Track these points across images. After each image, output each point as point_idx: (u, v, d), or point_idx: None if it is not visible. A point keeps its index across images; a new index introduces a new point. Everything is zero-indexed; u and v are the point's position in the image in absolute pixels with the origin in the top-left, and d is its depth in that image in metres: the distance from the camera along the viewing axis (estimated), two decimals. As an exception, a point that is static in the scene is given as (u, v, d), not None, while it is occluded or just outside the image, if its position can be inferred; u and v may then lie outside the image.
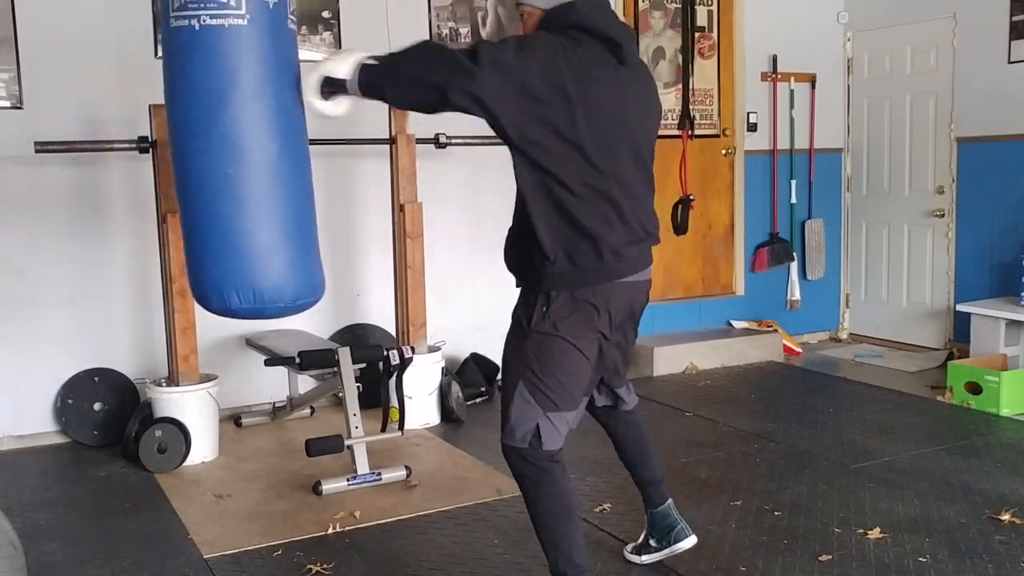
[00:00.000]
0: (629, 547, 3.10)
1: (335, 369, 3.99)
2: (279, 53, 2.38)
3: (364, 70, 2.28)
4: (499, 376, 5.28)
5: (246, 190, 2.40)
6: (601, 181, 2.39)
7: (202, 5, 2.28)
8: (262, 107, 2.39)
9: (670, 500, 2.99)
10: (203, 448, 4.18)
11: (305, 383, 4.71)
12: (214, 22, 2.30)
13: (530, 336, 2.43)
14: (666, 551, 2.98)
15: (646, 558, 3.02)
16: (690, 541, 2.97)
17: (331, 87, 2.35)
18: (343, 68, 2.29)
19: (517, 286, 2.54)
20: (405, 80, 2.26)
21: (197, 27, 2.29)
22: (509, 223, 2.55)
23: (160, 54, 2.47)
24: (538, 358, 2.42)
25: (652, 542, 3.01)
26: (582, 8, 2.36)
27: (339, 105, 2.40)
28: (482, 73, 2.17)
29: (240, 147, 2.39)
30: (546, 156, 2.30)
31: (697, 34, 6.06)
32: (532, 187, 2.33)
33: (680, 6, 5.94)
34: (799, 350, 6.24)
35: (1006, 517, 3.34)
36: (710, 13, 6.14)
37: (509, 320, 2.57)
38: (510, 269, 2.54)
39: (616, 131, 2.40)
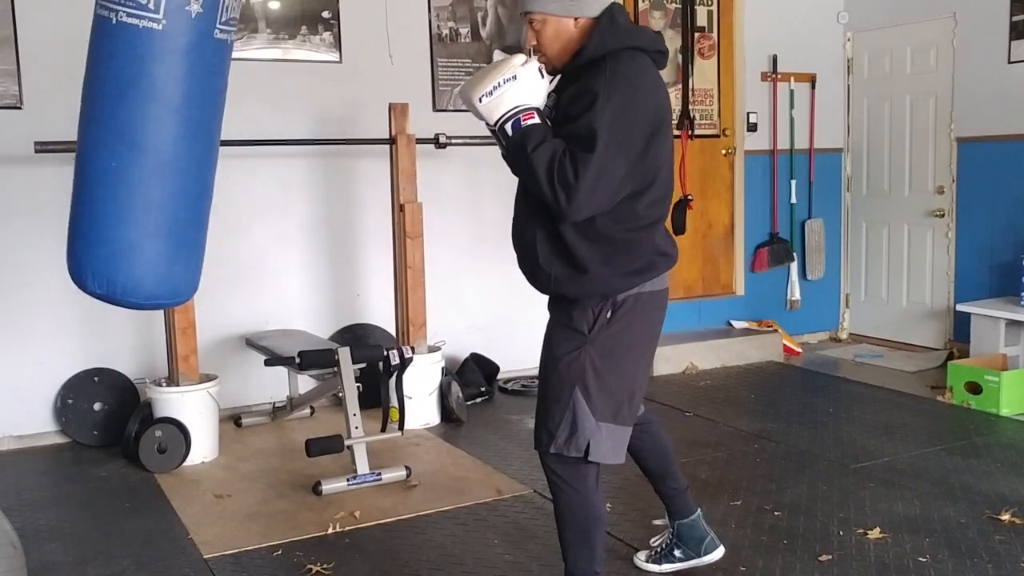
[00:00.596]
0: (642, 555, 3.05)
1: (335, 369, 3.99)
2: (198, 60, 2.36)
3: (500, 133, 2.31)
4: (497, 378, 5.29)
5: (127, 185, 2.47)
6: (663, 195, 2.46)
7: (122, 1, 2.30)
8: (163, 110, 2.40)
9: (699, 511, 2.99)
10: (203, 448, 4.18)
11: (305, 383, 4.71)
12: (129, 20, 2.30)
13: (592, 343, 2.40)
14: (694, 563, 2.95)
15: (668, 567, 2.99)
16: (720, 552, 2.97)
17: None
18: (493, 115, 2.31)
19: (555, 294, 2.47)
20: (528, 177, 2.30)
21: (114, 21, 2.33)
22: (509, 222, 2.54)
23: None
24: (598, 365, 2.39)
25: (678, 552, 2.97)
26: (638, 31, 2.43)
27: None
28: (575, 208, 2.25)
29: (131, 144, 2.46)
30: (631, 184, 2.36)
31: (697, 34, 6.06)
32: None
33: (680, 6, 5.94)
34: (799, 350, 6.24)
35: (1006, 517, 3.34)
36: (710, 13, 6.14)
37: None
38: (546, 282, 2.44)
39: (670, 143, 2.47)
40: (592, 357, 2.39)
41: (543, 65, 2.39)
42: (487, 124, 2.36)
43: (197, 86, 2.39)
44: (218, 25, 2.32)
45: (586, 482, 2.45)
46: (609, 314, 2.40)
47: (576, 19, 2.36)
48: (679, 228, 5.64)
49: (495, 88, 2.28)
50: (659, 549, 3.03)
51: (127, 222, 2.47)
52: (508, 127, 2.29)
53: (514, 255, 2.54)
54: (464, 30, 5.27)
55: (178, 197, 2.48)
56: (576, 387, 2.38)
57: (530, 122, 2.28)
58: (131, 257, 2.47)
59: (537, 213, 2.37)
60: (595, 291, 2.39)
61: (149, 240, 2.47)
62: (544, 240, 2.38)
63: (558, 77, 2.45)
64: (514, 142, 2.29)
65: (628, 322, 2.42)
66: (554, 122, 2.36)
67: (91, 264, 2.51)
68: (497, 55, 2.45)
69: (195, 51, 2.33)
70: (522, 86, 2.30)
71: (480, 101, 2.30)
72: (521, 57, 2.37)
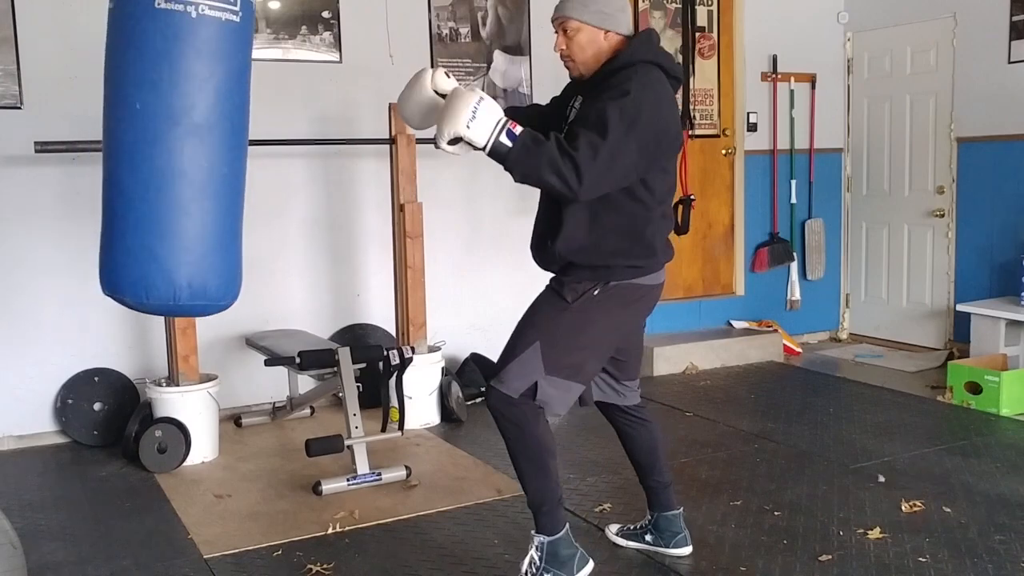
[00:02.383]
0: (614, 528, 3.18)
1: (335, 369, 3.99)
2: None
3: (498, 145, 2.43)
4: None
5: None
6: (667, 196, 2.74)
7: None
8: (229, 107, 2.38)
9: (681, 509, 3.10)
10: (203, 448, 4.18)
11: (305, 383, 4.71)
12: (212, 13, 2.29)
13: (569, 309, 2.66)
14: (658, 550, 3.08)
15: (633, 545, 3.13)
16: (688, 550, 3.07)
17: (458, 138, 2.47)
18: (482, 138, 2.42)
19: (558, 270, 2.72)
20: (531, 175, 2.46)
21: (194, 15, 2.28)
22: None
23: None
24: (568, 328, 2.66)
25: (649, 537, 3.10)
26: (667, 55, 2.69)
27: (463, 148, 2.50)
28: (582, 189, 2.45)
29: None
30: (643, 184, 2.63)
31: (697, 34, 6.06)
32: (617, 199, 2.61)
33: (680, 6, 5.94)
34: (799, 350, 6.24)
35: (1006, 517, 3.34)
36: (710, 13, 6.14)
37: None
38: (551, 259, 2.70)
39: (675, 162, 2.77)
40: (566, 321, 2.66)
41: (570, 69, 2.70)
42: (476, 147, 2.46)
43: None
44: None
45: (528, 415, 2.67)
46: (596, 292, 2.66)
47: (607, 32, 2.63)
48: (683, 228, 5.63)
49: (474, 112, 2.41)
50: (632, 528, 3.16)
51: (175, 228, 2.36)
52: (504, 138, 2.43)
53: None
54: (464, 30, 5.27)
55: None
56: (539, 340, 2.64)
57: (519, 129, 2.44)
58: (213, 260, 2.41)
59: (564, 209, 2.61)
60: (595, 270, 2.65)
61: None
62: (561, 227, 2.62)
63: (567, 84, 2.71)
64: (521, 144, 2.43)
65: (607, 306, 2.68)
66: (575, 122, 2.56)
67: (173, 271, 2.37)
68: (426, 76, 2.59)
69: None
70: (489, 104, 2.44)
71: (468, 129, 2.41)
72: (440, 71, 2.60)
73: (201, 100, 2.32)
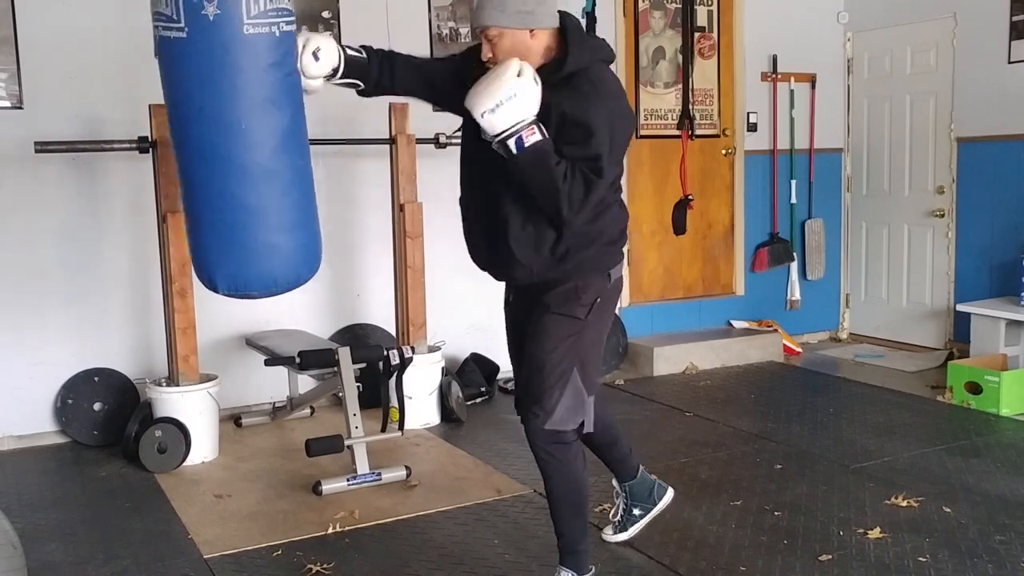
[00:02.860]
0: (609, 530, 3.18)
1: (335, 369, 3.99)
2: (228, 60, 2.36)
3: (501, 149, 2.41)
4: (497, 378, 5.29)
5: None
6: (618, 184, 2.71)
7: (156, 16, 2.34)
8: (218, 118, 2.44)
9: (641, 467, 3.17)
10: (203, 448, 4.18)
11: (305, 383, 4.71)
12: (166, 33, 2.33)
13: (589, 326, 2.62)
14: (653, 513, 3.15)
15: (633, 530, 3.14)
16: (670, 492, 3.17)
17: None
18: (492, 130, 2.41)
19: (530, 281, 2.64)
20: (534, 188, 2.46)
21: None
22: None
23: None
24: (592, 345, 2.65)
25: (636, 511, 3.14)
26: (601, 44, 2.65)
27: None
28: (569, 217, 2.48)
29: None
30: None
31: (697, 34, 6.06)
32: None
33: (680, 6, 5.94)
34: (799, 350, 6.24)
35: (1006, 517, 3.34)
36: (710, 13, 6.14)
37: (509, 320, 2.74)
38: (520, 271, 2.62)
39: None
40: (587, 339, 2.63)
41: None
42: (486, 135, 2.44)
43: (244, 85, 2.35)
44: (245, 22, 2.30)
45: (577, 458, 2.65)
46: (599, 300, 2.63)
47: (532, 31, 2.48)
48: (680, 228, 5.64)
49: (497, 106, 2.37)
50: (620, 518, 3.17)
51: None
52: (511, 143, 2.39)
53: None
54: (464, 30, 5.27)
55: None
56: (575, 367, 2.59)
57: (532, 139, 2.40)
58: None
59: (517, 208, 2.54)
60: (588, 274, 2.61)
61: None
62: (530, 231, 2.55)
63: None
64: (525, 160, 2.41)
65: (607, 307, 2.69)
66: (546, 124, 2.46)
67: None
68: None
69: (222, 51, 2.31)
70: (520, 102, 2.38)
71: (483, 116, 2.39)
72: (517, 65, 2.42)
73: (288, 108, 2.46)
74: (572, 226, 2.51)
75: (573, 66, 2.47)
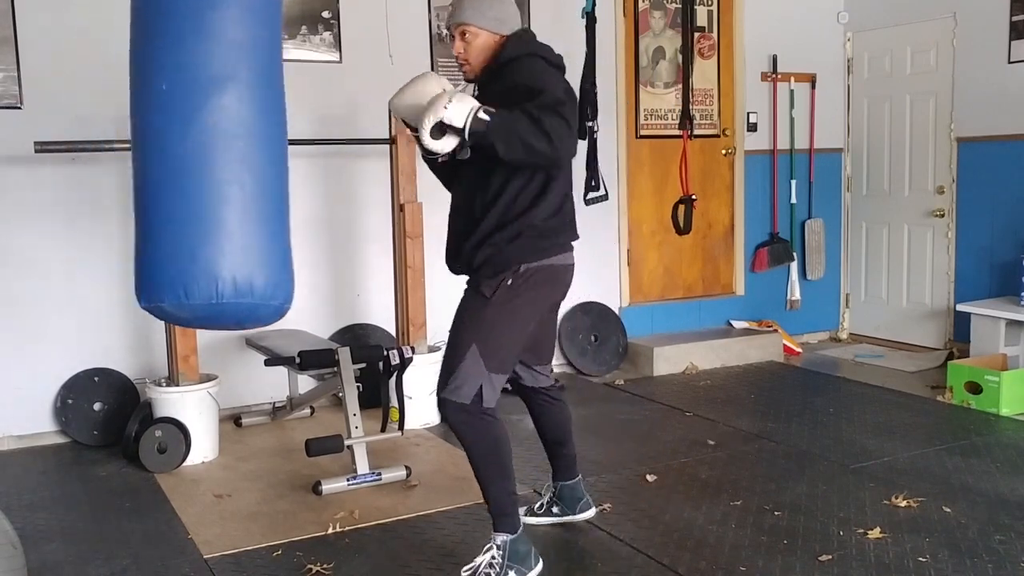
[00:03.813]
0: (523, 510, 3.22)
1: (335, 369, 3.99)
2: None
3: (477, 122, 2.54)
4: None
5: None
6: (566, 175, 2.91)
7: None
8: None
9: (580, 476, 3.34)
10: (203, 448, 4.18)
11: (305, 383, 4.71)
12: None
13: (491, 304, 2.80)
14: (566, 519, 3.31)
15: (544, 520, 3.32)
16: (592, 513, 3.33)
17: (441, 130, 2.58)
18: (459, 118, 2.53)
19: (473, 272, 2.87)
20: (515, 143, 2.57)
21: None
22: None
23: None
24: (495, 323, 2.81)
25: (556, 509, 3.32)
26: (542, 45, 2.89)
27: (448, 142, 2.60)
28: (562, 147, 2.62)
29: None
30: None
31: (697, 34, 6.05)
32: (524, 181, 2.79)
33: (680, 6, 5.94)
34: (799, 350, 6.24)
35: (1006, 517, 3.34)
36: (710, 13, 6.14)
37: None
38: (465, 261, 2.87)
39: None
40: (492, 318, 2.80)
41: (466, 72, 2.88)
42: (452, 127, 2.55)
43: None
44: None
45: (489, 426, 2.82)
46: (510, 282, 2.79)
47: (500, 36, 2.83)
48: (686, 228, 5.63)
49: (452, 96, 2.56)
50: (539, 507, 3.35)
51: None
52: (481, 114, 2.54)
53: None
54: (464, 30, 5.27)
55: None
56: (474, 342, 2.77)
57: (494, 109, 2.57)
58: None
59: (478, 207, 2.79)
60: (503, 265, 2.80)
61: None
62: (475, 227, 2.80)
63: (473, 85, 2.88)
64: (500, 119, 2.55)
65: (518, 290, 2.81)
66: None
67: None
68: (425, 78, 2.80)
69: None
70: (461, 93, 2.60)
71: (446, 108, 2.53)
72: (428, 74, 2.81)
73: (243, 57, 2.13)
74: (565, 160, 2.71)
75: (507, 56, 2.79)
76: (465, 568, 2.88)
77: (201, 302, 2.04)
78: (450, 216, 2.97)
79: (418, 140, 2.63)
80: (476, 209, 2.82)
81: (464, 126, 2.54)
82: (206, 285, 2.03)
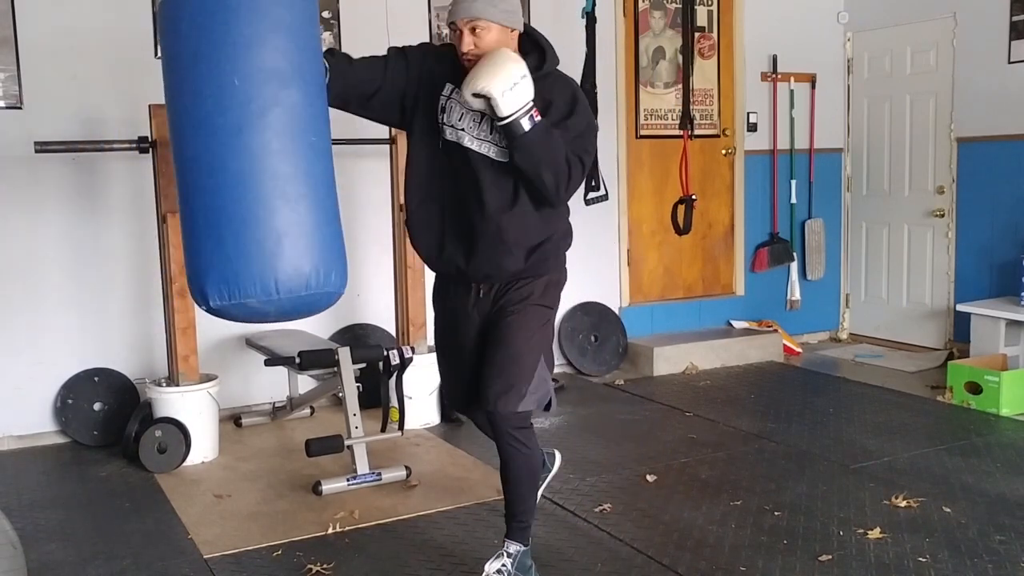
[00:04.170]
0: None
1: (335, 369, 3.99)
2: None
3: (515, 126, 2.50)
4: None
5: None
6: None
7: None
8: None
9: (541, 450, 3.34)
10: (203, 448, 4.18)
11: (305, 383, 4.71)
12: None
13: (550, 317, 2.83)
14: (553, 475, 3.32)
15: None
16: (558, 461, 3.34)
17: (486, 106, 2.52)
18: (508, 109, 2.49)
19: (510, 275, 2.74)
20: (536, 166, 2.55)
21: None
22: None
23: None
24: (549, 331, 2.85)
25: None
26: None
27: (481, 106, 2.54)
28: (565, 196, 2.64)
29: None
30: None
31: (697, 34, 6.05)
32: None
33: (680, 6, 5.93)
34: (799, 350, 6.24)
35: (1006, 517, 3.34)
36: (710, 13, 6.14)
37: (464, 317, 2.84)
38: (502, 266, 2.71)
39: None
40: (551, 327, 2.85)
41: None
42: (497, 115, 2.50)
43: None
44: None
45: (534, 439, 2.79)
46: (557, 291, 2.84)
47: (512, 30, 2.66)
48: (686, 228, 5.63)
49: (514, 85, 2.48)
50: None
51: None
52: (524, 121, 2.50)
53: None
54: (464, 30, 5.27)
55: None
56: (542, 354, 2.76)
57: (540, 119, 2.53)
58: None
59: (507, 205, 2.65)
60: (557, 268, 2.81)
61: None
62: (519, 228, 2.67)
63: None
64: (535, 135, 2.52)
65: (559, 295, 2.87)
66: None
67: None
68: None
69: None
70: (529, 82, 2.51)
71: (503, 96, 2.47)
72: (511, 52, 2.58)
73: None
74: (558, 210, 2.70)
75: (550, 67, 2.69)
76: None
77: (289, 295, 2.20)
78: (452, 216, 2.73)
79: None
80: (507, 212, 2.66)
81: (506, 119, 2.48)
82: (295, 277, 2.19)
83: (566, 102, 2.64)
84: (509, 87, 2.46)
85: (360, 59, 2.69)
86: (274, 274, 2.17)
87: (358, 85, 2.68)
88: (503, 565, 2.80)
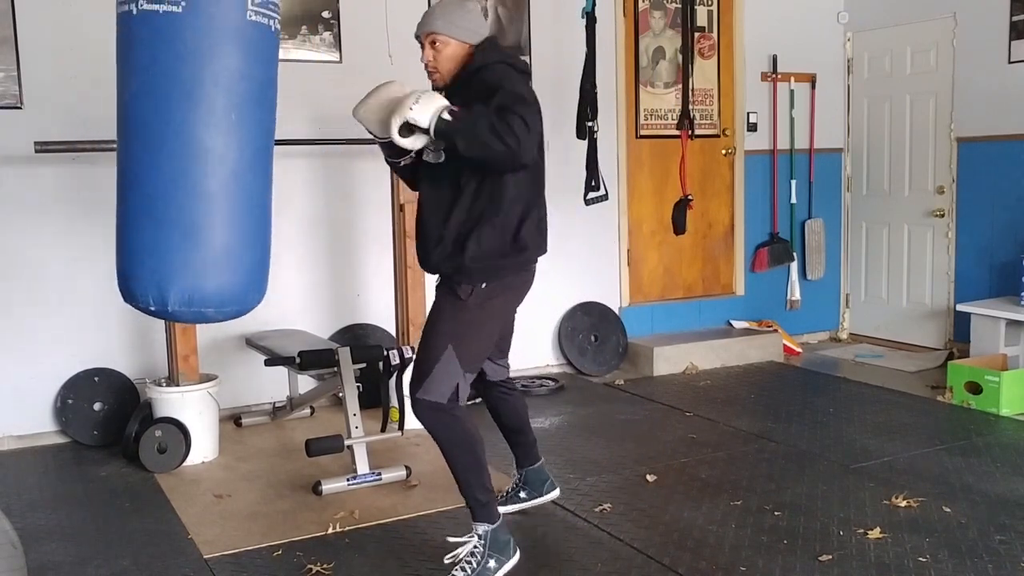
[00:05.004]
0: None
1: (335, 369, 3.99)
2: (227, 45, 2.28)
3: (441, 122, 2.63)
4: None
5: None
6: (535, 196, 2.98)
7: None
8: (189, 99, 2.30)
9: (543, 459, 3.49)
10: (203, 448, 4.18)
11: (305, 383, 4.71)
12: (150, 7, 2.23)
13: (467, 308, 2.87)
14: (535, 501, 3.44)
15: (511, 507, 3.40)
16: (557, 492, 3.49)
17: (409, 129, 2.68)
18: (424, 118, 2.63)
19: (448, 275, 2.91)
20: (476, 142, 2.63)
21: (135, 12, 2.24)
22: None
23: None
24: (471, 324, 2.90)
25: (523, 494, 3.45)
26: (509, 53, 3.05)
27: (417, 140, 2.71)
28: (521, 150, 2.65)
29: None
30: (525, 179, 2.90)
31: (697, 34, 6.05)
32: (497, 196, 2.84)
33: (680, 6, 5.94)
34: (799, 350, 6.24)
35: (1006, 517, 3.34)
36: (710, 13, 6.14)
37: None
38: (444, 264, 2.90)
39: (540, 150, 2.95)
40: (468, 321, 2.89)
41: (435, 80, 2.93)
42: (420, 128, 2.65)
43: (226, 73, 2.29)
44: (250, 7, 2.25)
45: (460, 421, 2.90)
46: (484, 285, 2.87)
47: (470, 45, 2.90)
48: (680, 228, 5.64)
49: (419, 97, 2.65)
50: (506, 493, 3.46)
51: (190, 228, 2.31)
52: (445, 115, 2.63)
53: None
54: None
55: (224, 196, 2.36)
56: (450, 343, 2.86)
57: (459, 109, 2.65)
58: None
59: (443, 210, 2.86)
60: (475, 272, 2.86)
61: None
62: (454, 229, 2.85)
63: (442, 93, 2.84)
64: (462, 119, 2.63)
65: (493, 297, 2.90)
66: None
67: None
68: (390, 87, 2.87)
69: (224, 30, 2.24)
70: (428, 94, 2.69)
71: (411, 109, 2.63)
72: (389, 85, 2.83)
73: (271, 109, 2.45)
74: (525, 158, 2.67)
75: (479, 63, 2.86)
76: (447, 556, 2.96)
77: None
78: (419, 215, 3.05)
79: (382, 146, 2.87)
80: (442, 211, 2.89)
81: (429, 125, 2.62)
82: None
83: (491, 85, 2.75)
84: (413, 102, 2.63)
85: None
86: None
87: None
88: (474, 547, 2.92)
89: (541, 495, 3.45)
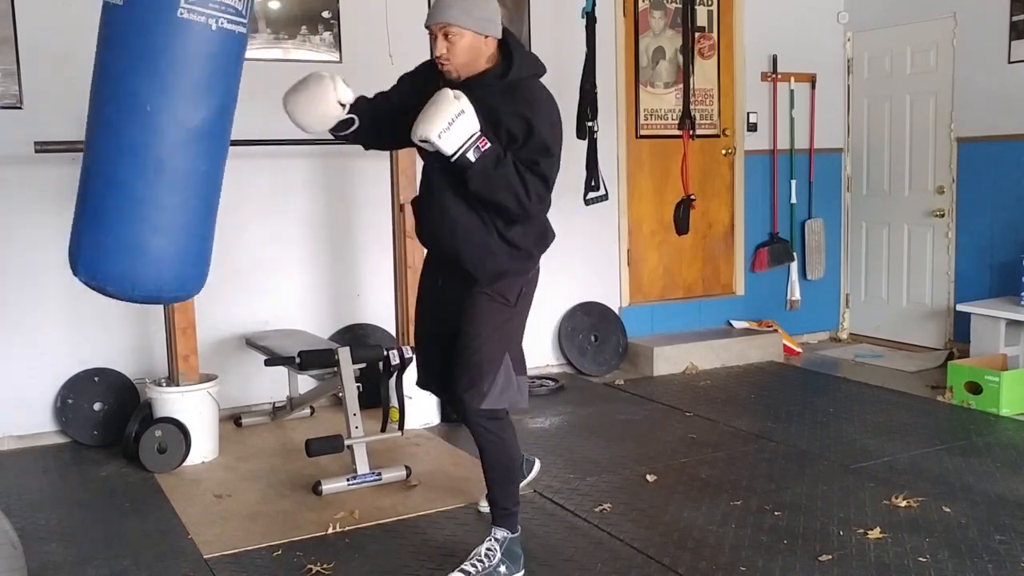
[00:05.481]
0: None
1: (335, 369, 3.99)
2: (149, 40, 2.32)
3: (465, 159, 2.63)
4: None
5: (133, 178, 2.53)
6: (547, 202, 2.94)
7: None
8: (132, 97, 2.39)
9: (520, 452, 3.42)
10: (203, 448, 4.18)
11: (305, 383, 4.71)
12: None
13: (515, 310, 2.89)
14: (521, 484, 3.33)
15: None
16: (537, 464, 3.56)
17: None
18: (450, 148, 2.62)
19: (480, 278, 2.85)
20: (488, 188, 2.67)
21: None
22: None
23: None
24: (517, 329, 2.94)
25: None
26: (537, 59, 2.89)
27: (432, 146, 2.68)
28: (532, 210, 2.75)
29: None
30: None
31: (697, 34, 6.05)
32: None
33: (680, 6, 5.94)
34: (799, 350, 6.24)
35: (1006, 517, 3.34)
36: (710, 13, 6.14)
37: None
38: (477, 266, 2.84)
39: None
40: (516, 324, 2.93)
41: (448, 72, 2.75)
42: (443, 153, 2.63)
43: (163, 68, 2.33)
44: (182, 5, 2.27)
45: (509, 430, 2.93)
46: (523, 289, 2.90)
47: (487, 37, 2.75)
48: (682, 228, 5.63)
49: (450, 124, 2.60)
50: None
51: (133, 216, 2.49)
52: (470, 154, 2.63)
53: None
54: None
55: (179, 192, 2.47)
56: (507, 351, 2.87)
57: (486, 146, 2.65)
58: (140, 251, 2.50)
59: (472, 211, 2.78)
60: (523, 269, 2.88)
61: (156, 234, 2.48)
62: (484, 233, 2.80)
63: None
64: (483, 166, 2.64)
65: (529, 293, 2.95)
66: (494, 126, 2.71)
67: (98, 257, 2.55)
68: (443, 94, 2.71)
69: (149, 28, 2.29)
70: (468, 118, 2.63)
71: (439, 137, 2.60)
72: (451, 92, 2.66)
73: (205, 108, 2.38)
74: (532, 219, 2.78)
75: (516, 75, 2.75)
76: (469, 558, 2.96)
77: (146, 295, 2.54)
78: (424, 204, 2.94)
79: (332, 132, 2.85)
80: (485, 226, 2.80)
81: (452, 157, 2.62)
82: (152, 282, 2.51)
83: (524, 121, 2.69)
84: (445, 127, 2.58)
85: (375, 94, 2.98)
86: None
87: (376, 114, 2.90)
88: (490, 548, 2.92)
89: (524, 477, 3.46)
